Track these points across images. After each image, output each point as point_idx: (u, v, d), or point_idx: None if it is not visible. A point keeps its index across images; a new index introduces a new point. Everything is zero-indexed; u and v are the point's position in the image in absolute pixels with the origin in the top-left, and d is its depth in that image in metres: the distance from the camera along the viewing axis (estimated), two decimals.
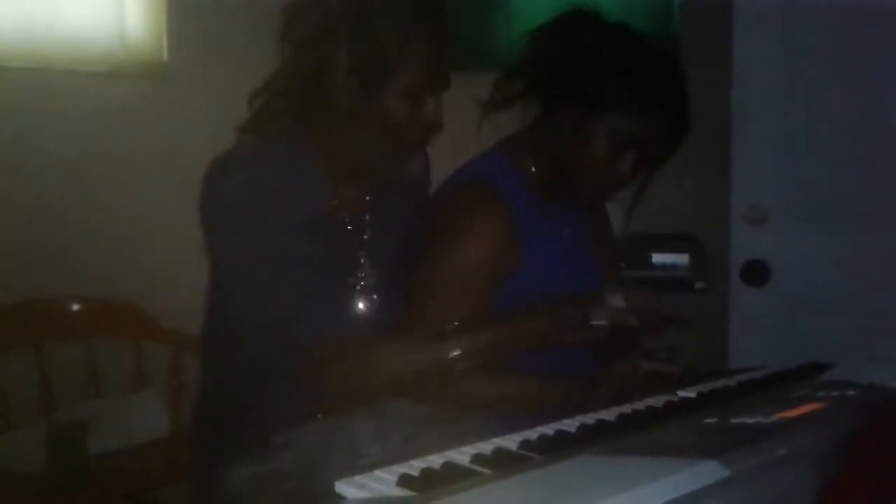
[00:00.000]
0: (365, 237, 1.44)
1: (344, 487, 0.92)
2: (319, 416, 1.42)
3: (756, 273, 2.44)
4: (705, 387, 1.36)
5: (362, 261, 1.43)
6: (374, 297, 1.43)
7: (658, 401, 1.30)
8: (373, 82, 1.28)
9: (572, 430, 1.14)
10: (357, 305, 1.42)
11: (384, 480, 0.93)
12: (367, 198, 1.45)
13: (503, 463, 0.99)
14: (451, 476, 0.94)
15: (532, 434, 1.11)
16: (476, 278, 1.46)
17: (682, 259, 2.56)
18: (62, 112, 2.29)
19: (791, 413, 1.09)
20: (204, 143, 1.44)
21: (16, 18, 2.26)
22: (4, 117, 2.22)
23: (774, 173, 2.43)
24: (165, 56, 2.46)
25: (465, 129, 1.49)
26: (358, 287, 1.42)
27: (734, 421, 1.08)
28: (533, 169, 1.54)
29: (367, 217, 1.44)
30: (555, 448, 1.04)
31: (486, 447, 1.05)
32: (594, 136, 1.44)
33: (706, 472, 0.86)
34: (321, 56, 1.29)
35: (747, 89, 2.42)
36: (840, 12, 2.29)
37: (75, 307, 2.28)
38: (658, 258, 2.56)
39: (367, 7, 1.27)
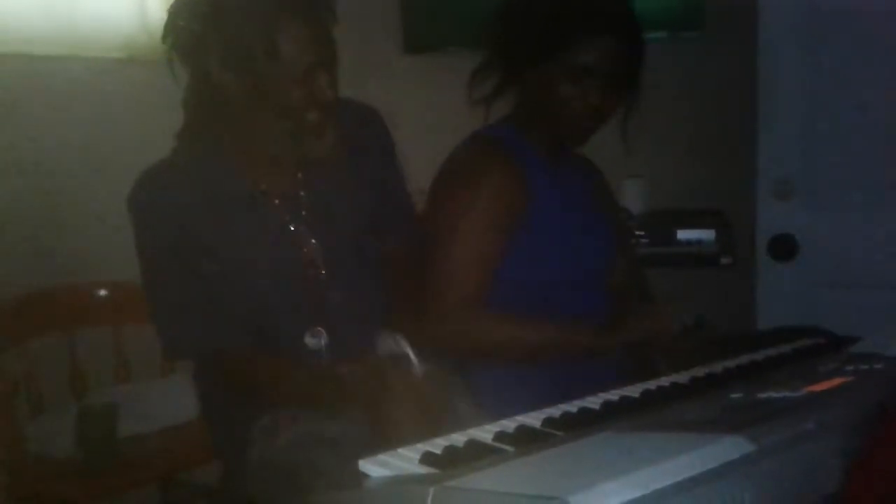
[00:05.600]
0: (303, 213, 1.46)
1: (368, 465, 0.92)
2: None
3: (783, 248, 2.41)
4: (731, 362, 1.35)
5: (300, 238, 1.46)
6: (322, 271, 1.46)
7: (683, 377, 1.29)
8: (248, 74, 1.33)
9: (596, 406, 1.13)
10: (304, 281, 1.46)
11: (407, 458, 0.93)
12: (299, 175, 1.48)
13: (526, 440, 0.99)
14: (475, 454, 0.94)
15: (555, 411, 1.11)
16: (489, 216, 1.55)
17: (708, 234, 2.53)
18: (85, 98, 2.31)
19: (818, 387, 1.08)
20: None
21: (38, 5, 2.27)
22: (28, 103, 2.24)
23: (801, 146, 2.39)
24: None
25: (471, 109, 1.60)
26: (302, 263, 1.46)
27: (761, 395, 1.07)
28: (530, 130, 1.64)
29: (302, 194, 1.47)
30: (578, 425, 1.04)
31: (509, 425, 1.05)
32: (554, 79, 1.55)
33: (732, 447, 0.85)
34: (200, 59, 1.35)
35: (773, 62, 2.38)
36: None
37: (104, 293, 2.31)
38: (684, 234, 2.54)
39: (226, 5, 1.32)
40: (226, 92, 1.36)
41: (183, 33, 1.36)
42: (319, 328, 1.45)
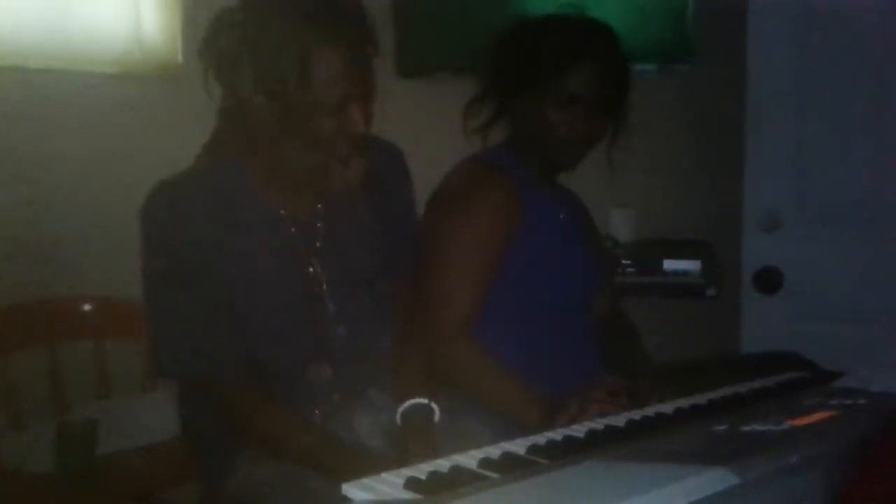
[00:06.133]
0: (317, 245, 1.44)
1: (351, 489, 0.92)
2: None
3: (768, 280, 2.43)
4: (715, 394, 1.35)
5: (312, 269, 1.43)
6: (329, 304, 1.43)
7: (667, 407, 1.30)
8: (280, 100, 1.31)
9: (581, 435, 1.13)
10: (309, 313, 1.42)
11: (391, 483, 0.93)
12: (318, 205, 1.46)
13: (511, 467, 0.98)
14: (459, 480, 0.94)
15: (540, 439, 1.11)
16: (486, 237, 1.58)
17: (694, 265, 2.54)
18: (78, 112, 2.30)
19: (802, 421, 1.08)
20: None
21: (32, 19, 2.27)
22: (20, 117, 2.23)
23: (788, 179, 2.41)
24: (180, 58, 2.47)
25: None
26: (311, 294, 1.43)
27: (744, 428, 1.07)
28: (525, 156, 1.69)
29: (318, 225, 1.45)
30: (563, 453, 1.04)
31: (493, 451, 1.05)
32: (543, 106, 1.61)
33: (716, 479, 0.85)
34: (234, 82, 1.32)
35: (761, 94, 2.41)
36: (854, 15, 2.28)
37: (87, 307, 2.28)
38: (670, 264, 2.55)
39: (265, 31, 1.29)
40: (256, 115, 1.34)
41: (219, 53, 1.33)
42: (321, 363, 1.42)
